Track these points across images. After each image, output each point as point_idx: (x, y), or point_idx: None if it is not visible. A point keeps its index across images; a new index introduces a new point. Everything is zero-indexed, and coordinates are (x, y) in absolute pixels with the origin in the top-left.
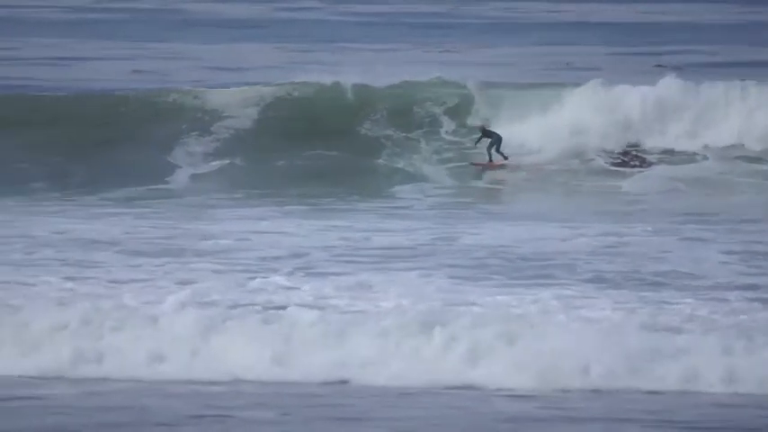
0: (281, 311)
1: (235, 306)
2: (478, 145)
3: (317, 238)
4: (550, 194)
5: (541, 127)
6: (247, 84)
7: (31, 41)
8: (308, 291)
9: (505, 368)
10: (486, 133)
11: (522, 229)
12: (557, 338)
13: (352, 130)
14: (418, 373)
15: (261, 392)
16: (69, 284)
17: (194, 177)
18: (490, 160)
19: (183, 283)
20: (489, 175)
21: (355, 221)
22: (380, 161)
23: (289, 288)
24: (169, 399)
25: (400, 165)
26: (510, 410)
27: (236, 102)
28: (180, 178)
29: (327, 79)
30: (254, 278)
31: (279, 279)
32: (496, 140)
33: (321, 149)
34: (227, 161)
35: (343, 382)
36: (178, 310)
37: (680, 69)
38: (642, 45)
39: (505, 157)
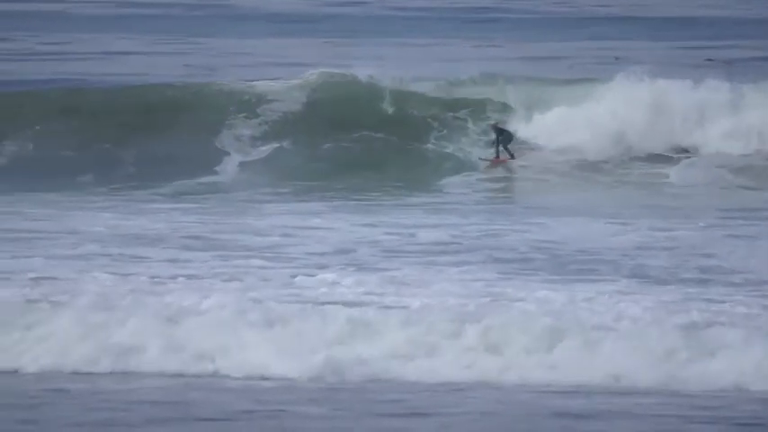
0: (328, 307)
1: (282, 302)
2: (496, 145)
3: (364, 234)
4: (596, 187)
5: (582, 119)
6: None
7: (82, 37)
8: (355, 286)
9: (553, 364)
10: (499, 131)
11: (568, 224)
12: (604, 335)
13: (398, 116)
14: (467, 369)
15: (311, 388)
16: (115, 280)
17: (242, 167)
18: (497, 156)
19: (231, 278)
20: (535, 165)
21: (402, 217)
22: (429, 146)
23: (335, 284)
24: (219, 394)
25: (449, 149)
26: (558, 406)
27: (283, 91)
28: (228, 169)
29: (372, 72)
30: (301, 274)
31: (326, 275)
32: (507, 138)
33: (368, 131)
34: (275, 148)
35: (392, 378)
36: (225, 306)
37: (729, 64)
38: (692, 39)
39: (512, 156)
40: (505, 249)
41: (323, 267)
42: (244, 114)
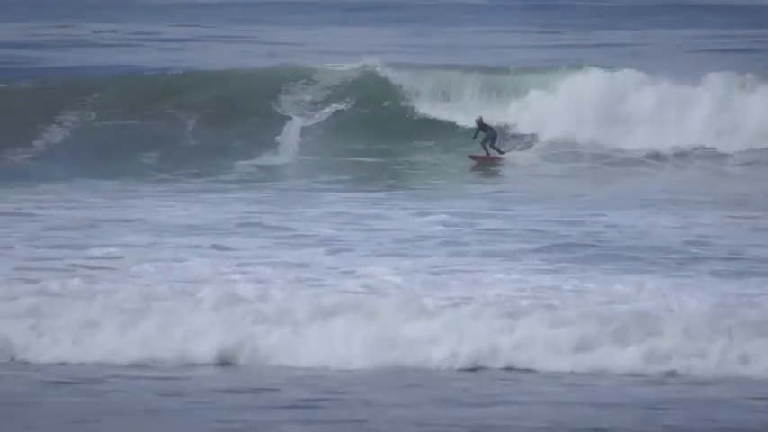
0: (394, 297)
1: (347, 291)
2: (475, 139)
3: (420, 224)
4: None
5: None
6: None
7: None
8: (421, 278)
9: (635, 354)
10: (482, 127)
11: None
12: (673, 325)
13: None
14: (548, 358)
15: (378, 376)
16: (180, 271)
17: (302, 151)
18: (487, 154)
19: (294, 266)
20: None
21: (461, 206)
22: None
23: (399, 273)
24: (291, 382)
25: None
26: (641, 395)
27: (344, 77)
28: (288, 152)
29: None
30: (361, 266)
31: (384, 268)
32: (491, 135)
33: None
34: (337, 132)
35: (476, 367)
36: (290, 296)
37: None
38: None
39: (501, 152)
40: (581, 241)
41: (383, 257)
42: (302, 107)
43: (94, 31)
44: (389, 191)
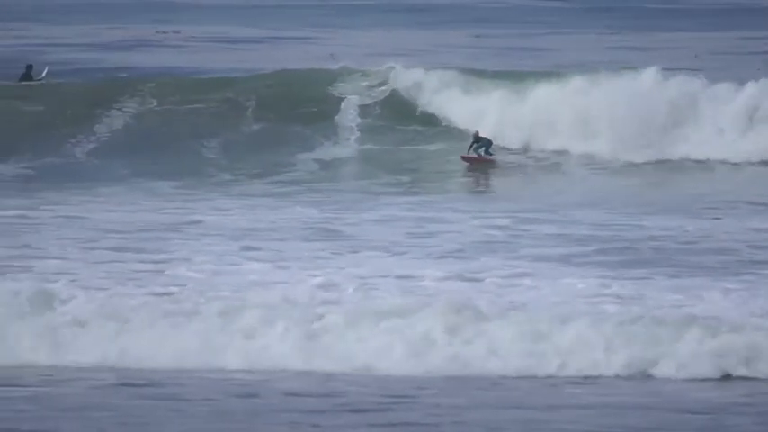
0: (456, 302)
1: (411, 295)
2: (470, 151)
3: (478, 227)
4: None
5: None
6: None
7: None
8: (488, 282)
9: (695, 358)
10: (478, 140)
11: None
12: (750, 332)
13: None
14: (605, 362)
15: (443, 382)
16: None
17: (361, 157)
18: (478, 155)
19: (359, 271)
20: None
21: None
22: None
23: (459, 277)
24: (355, 386)
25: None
26: (702, 398)
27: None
28: (345, 156)
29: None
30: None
31: (442, 272)
32: (486, 143)
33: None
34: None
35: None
36: (357, 300)
37: None
38: None
39: (491, 154)
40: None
41: (431, 262)
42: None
43: (158, 32)
44: (446, 193)
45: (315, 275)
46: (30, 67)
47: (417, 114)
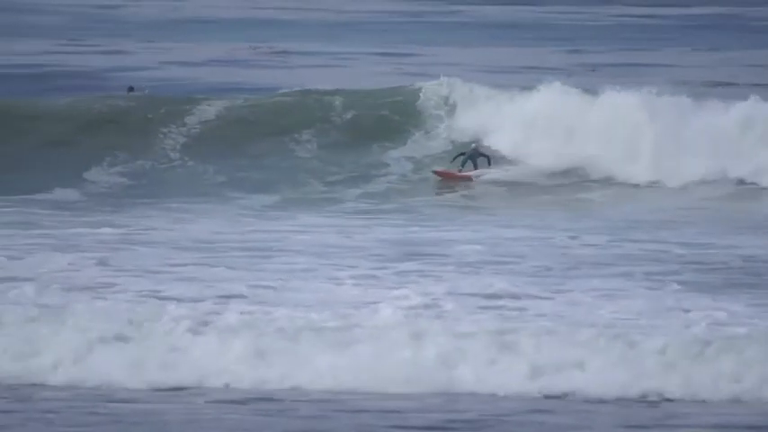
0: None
1: (500, 316)
2: (459, 166)
3: (568, 246)
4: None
5: None
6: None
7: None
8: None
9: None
10: (477, 154)
11: None
12: None
13: None
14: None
15: (518, 403)
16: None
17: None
18: (459, 170)
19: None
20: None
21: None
22: None
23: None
24: (417, 405)
25: None
26: None
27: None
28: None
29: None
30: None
31: (506, 285)
32: (484, 161)
33: None
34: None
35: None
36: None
37: None
38: None
39: (471, 176)
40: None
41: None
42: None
43: (251, 47)
44: (512, 208)
45: (419, 294)
46: (131, 88)
47: None
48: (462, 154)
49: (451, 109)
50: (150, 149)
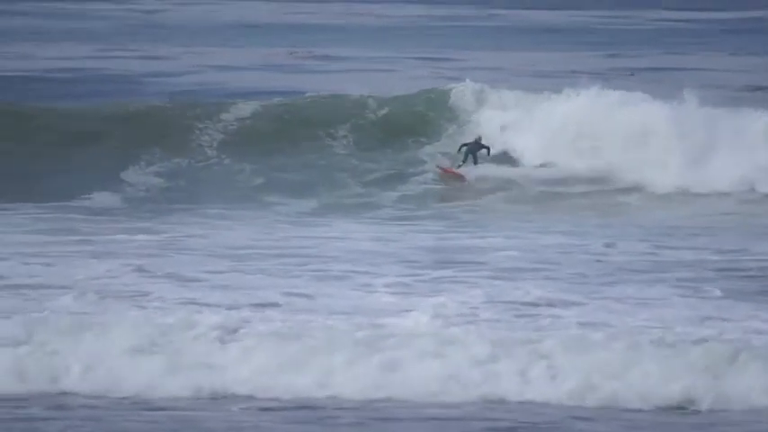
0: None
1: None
2: (465, 157)
3: (604, 253)
4: None
5: None
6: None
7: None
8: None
9: None
10: (479, 146)
11: None
12: None
13: None
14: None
15: (555, 411)
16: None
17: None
18: (459, 166)
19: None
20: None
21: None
22: None
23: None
24: (454, 413)
25: None
26: None
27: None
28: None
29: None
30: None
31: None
32: (485, 150)
33: None
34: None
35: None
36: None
37: None
38: None
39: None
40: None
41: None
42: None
43: (291, 52)
44: (546, 213)
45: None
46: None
47: None
48: (465, 145)
49: (477, 111)
50: (187, 148)
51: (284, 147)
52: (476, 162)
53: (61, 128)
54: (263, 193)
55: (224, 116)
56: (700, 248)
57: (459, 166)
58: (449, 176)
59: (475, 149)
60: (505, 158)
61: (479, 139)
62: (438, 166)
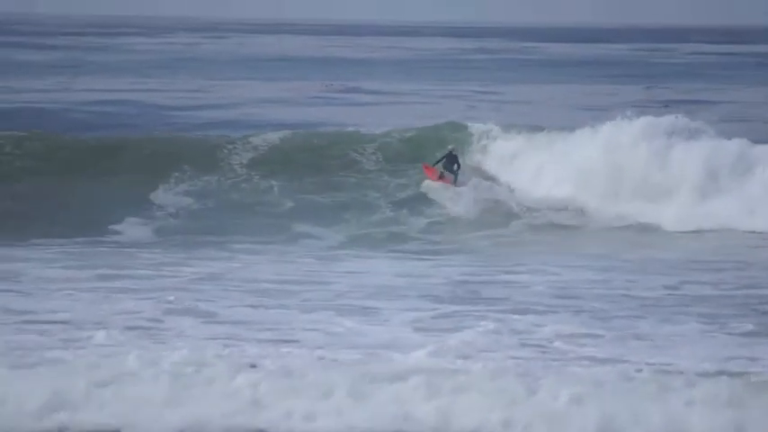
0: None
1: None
2: (437, 164)
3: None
4: None
5: None
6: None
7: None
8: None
9: None
10: (452, 158)
11: None
12: None
13: None
14: None
15: None
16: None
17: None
18: (442, 172)
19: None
20: None
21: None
22: None
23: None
24: None
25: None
26: None
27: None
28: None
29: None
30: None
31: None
32: (456, 164)
33: None
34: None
35: None
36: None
37: None
38: None
39: (455, 181)
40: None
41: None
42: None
43: (326, 85)
44: (571, 248)
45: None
46: None
47: None
48: (439, 161)
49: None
50: (216, 167)
51: (313, 163)
52: (455, 175)
53: (88, 157)
54: (293, 220)
55: (253, 140)
56: (724, 283)
57: (442, 172)
58: (432, 177)
59: (450, 160)
60: (523, 190)
61: (453, 149)
62: (423, 166)
